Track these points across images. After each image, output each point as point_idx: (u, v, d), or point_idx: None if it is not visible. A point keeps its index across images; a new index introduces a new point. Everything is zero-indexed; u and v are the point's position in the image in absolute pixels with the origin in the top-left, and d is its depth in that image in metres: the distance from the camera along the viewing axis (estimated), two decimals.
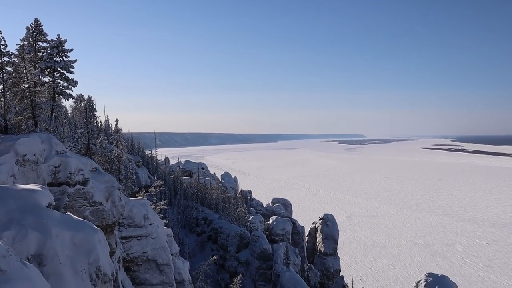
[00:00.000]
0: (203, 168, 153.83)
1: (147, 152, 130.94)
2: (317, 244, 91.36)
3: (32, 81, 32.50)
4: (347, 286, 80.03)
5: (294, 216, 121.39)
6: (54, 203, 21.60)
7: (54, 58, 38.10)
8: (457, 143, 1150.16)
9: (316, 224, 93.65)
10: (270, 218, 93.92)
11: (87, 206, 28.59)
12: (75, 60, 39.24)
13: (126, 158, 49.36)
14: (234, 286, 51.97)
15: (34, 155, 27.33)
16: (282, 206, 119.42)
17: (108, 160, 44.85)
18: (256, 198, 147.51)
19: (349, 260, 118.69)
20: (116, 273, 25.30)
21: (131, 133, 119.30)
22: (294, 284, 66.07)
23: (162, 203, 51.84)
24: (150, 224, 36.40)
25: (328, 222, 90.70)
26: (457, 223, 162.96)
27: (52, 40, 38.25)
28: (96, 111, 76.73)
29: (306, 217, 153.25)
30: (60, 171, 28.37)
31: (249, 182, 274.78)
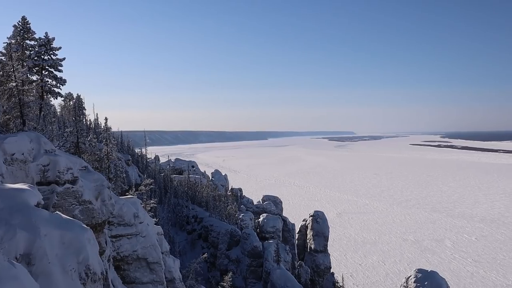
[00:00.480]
0: (193, 166, 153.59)
1: (137, 150, 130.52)
2: (308, 241, 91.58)
3: (20, 80, 32.24)
4: (337, 282, 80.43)
5: (284, 214, 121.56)
6: (42, 202, 21.49)
7: (42, 56, 37.81)
8: (446, 139, 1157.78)
9: (306, 221, 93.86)
10: (261, 215, 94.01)
11: (76, 205, 28.45)
12: (64, 58, 38.97)
13: (115, 156, 49.16)
14: (225, 284, 51.96)
15: (23, 154, 27.16)
16: (273, 204, 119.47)
17: (98, 159, 44.63)
18: (247, 195, 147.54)
19: (340, 257, 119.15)
20: (106, 272, 25.22)
21: (121, 131, 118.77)
22: (284, 281, 66.24)
23: (152, 201, 51.74)
24: (140, 223, 36.29)
25: (318, 219, 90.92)
26: (446, 219, 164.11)
27: (40, 38, 37.95)
28: (85, 109, 76.45)
29: (296, 214, 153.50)
30: (49, 170, 28.21)
31: (239, 179, 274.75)
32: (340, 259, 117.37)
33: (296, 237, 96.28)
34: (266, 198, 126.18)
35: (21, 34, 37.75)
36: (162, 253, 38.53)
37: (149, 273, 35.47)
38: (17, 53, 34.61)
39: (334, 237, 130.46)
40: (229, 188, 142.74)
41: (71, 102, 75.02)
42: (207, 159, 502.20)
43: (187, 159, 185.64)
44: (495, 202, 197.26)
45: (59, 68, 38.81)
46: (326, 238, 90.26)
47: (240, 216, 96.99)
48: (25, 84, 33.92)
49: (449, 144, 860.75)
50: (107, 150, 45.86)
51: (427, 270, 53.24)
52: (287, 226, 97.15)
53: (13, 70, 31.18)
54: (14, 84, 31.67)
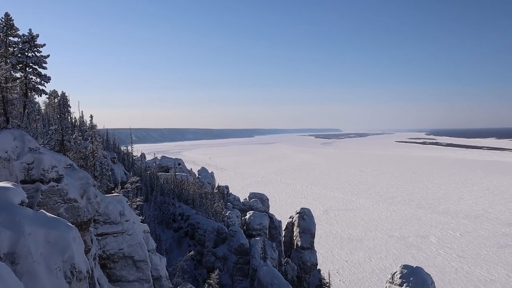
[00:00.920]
0: (179, 164, 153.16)
1: (122, 148, 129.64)
2: (294, 238, 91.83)
3: (3, 77, 31.86)
4: (324, 279, 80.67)
5: (271, 211, 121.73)
6: (27, 201, 21.30)
7: (26, 53, 37.36)
8: (431, 136, 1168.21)
9: (293, 218, 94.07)
10: (247, 213, 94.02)
11: (61, 203, 28.22)
12: (48, 56, 38.55)
13: (101, 154, 48.86)
14: (212, 282, 51.94)
15: (6, 152, 26.86)
16: (259, 201, 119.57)
17: (83, 157, 44.33)
18: (233, 193, 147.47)
19: (326, 253, 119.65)
20: (92, 271, 25.09)
21: (106, 129, 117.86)
22: (271, 278, 66.38)
23: (138, 199, 51.48)
24: (126, 221, 36.12)
25: (305, 216, 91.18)
26: (431, 215, 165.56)
27: (23, 35, 37.51)
28: (70, 107, 75.82)
29: (283, 212, 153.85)
30: (33, 168, 27.94)
31: (226, 177, 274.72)
32: (327, 255, 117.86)
33: (283, 234, 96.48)
34: (252, 195, 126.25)
35: (4, 30, 37.24)
36: (149, 251, 38.41)
37: (135, 271, 35.33)
38: (0, 50, 34.18)
39: (321, 234, 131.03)
40: (216, 186, 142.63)
41: (55, 100, 74.37)
42: (194, 156, 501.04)
43: (173, 157, 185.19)
44: (479, 198, 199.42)
45: (43, 65, 38.38)
46: (312, 235, 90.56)
47: (227, 214, 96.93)
48: (9, 82, 33.51)
49: (434, 141, 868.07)
50: (93, 148, 45.56)
51: (413, 266, 53.76)
52: (273, 224, 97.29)
53: None
54: None
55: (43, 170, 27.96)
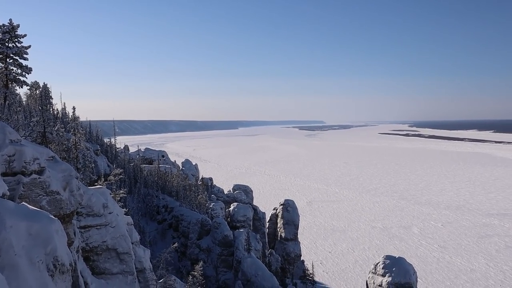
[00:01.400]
0: (163, 156, 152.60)
1: (106, 140, 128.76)
2: (278, 229, 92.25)
3: None
4: (307, 270, 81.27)
5: (255, 203, 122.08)
6: (8, 193, 21.08)
7: (6, 44, 36.88)
8: (414, 128, 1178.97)
9: (277, 210, 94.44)
10: (231, 204, 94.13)
11: (43, 195, 27.96)
12: (29, 46, 38.09)
13: (84, 146, 48.50)
14: (196, 273, 52.03)
15: None
16: (243, 193, 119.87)
17: (66, 149, 43.93)
18: (217, 185, 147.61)
19: (310, 244, 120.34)
20: (75, 263, 24.96)
21: (89, 121, 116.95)
22: (255, 269, 66.67)
23: (121, 191, 51.27)
24: (110, 213, 35.92)
25: (288, 207, 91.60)
26: (413, 206, 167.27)
27: (3, 25, 36.97)
28: (52, 98, 75.06)
29: (267, 203, 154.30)
30: (14, 160, 27.60)
31: (210, 169, 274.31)
32: (310, 247, 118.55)
33: (267, 226, 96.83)
34: (236, 187, 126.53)
35: None
36: (132, 243, 38.27)
37: (119, 264, 35.21)
38: None
39: (304, 225, 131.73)
40: (200, 178, 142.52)
41: (37, 91, 73.53)
42: (178, 148, 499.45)
43: (157, 149, 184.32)
44: (460, 189, 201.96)
45: (24, 56, 37.93)
46: (296, 227, 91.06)
47: (211, 206, 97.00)
48: None
49: (417, 133, 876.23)
50: (75, 140, 45.18)
51: (395, 257, 54.51)
52: (257, 215, 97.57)
53: None
54: None
55: (24, 163, 27.64)
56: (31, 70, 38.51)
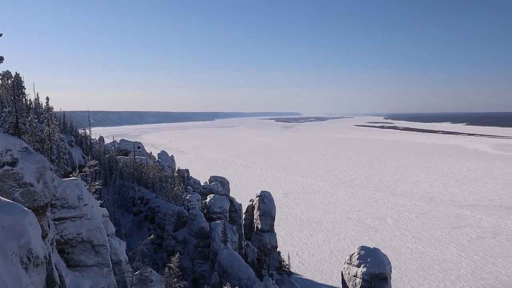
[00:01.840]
0: (139, 147, 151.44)
1: (80, 131, 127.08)
2: (255, 221, 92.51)
3: None
4: (283, 261, 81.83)
5: (231, 194, 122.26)
6: None
7: None
8: (389, 120, 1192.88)
9: (253, 201, 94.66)
10: (208, 196, 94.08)
11: (16, 187, 27.52)
12: (0, 35, 37.25)
13: (58, 137, 47.76)
14: (172, 265, 51.86)
15: None
16: (220, 184, 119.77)
17: (39, 140, 43.20)
18: (194, 176, 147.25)
19: (286, 236, 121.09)
20: (49, 256, 24.66)
21: (63, 111, 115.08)
22: (231, 261, 66.83)
23: (97, 183, 50.70)
24: (85, 205, 35.58)
25: (265, 199, 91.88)
26: (388, 197, 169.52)
27: None
28: (25, 88, 73.53)
29: (243, 195, 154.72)
30: None
31: (186, 160, 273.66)
32: (287, 238, 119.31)
33: (243, 217, 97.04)
34: (213, 179, 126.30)
35: None
36: (108, 235, 38.01)
37: (94, 256, 34.95)
38: None
39: (281, 217, 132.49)
40: (176, 169, 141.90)
41: (9, 81, 72.03)
42: (154, 140, 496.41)
43: (132, 140, 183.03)
44: (434, 181, 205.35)
45: None
46: (272, 218, 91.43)
47: (187, 197, 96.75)
48: None
49: (392, 125, 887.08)
50: (49, 130, 44.46)
51: (370, 247, 55.29)
52: (234, 207, 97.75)
53: None
54: None
55: None
56: (3, 59, 37.66)
